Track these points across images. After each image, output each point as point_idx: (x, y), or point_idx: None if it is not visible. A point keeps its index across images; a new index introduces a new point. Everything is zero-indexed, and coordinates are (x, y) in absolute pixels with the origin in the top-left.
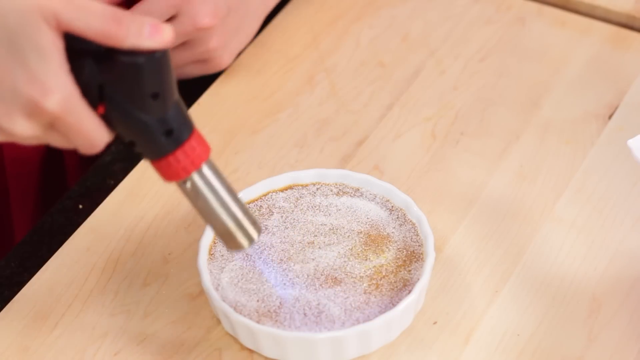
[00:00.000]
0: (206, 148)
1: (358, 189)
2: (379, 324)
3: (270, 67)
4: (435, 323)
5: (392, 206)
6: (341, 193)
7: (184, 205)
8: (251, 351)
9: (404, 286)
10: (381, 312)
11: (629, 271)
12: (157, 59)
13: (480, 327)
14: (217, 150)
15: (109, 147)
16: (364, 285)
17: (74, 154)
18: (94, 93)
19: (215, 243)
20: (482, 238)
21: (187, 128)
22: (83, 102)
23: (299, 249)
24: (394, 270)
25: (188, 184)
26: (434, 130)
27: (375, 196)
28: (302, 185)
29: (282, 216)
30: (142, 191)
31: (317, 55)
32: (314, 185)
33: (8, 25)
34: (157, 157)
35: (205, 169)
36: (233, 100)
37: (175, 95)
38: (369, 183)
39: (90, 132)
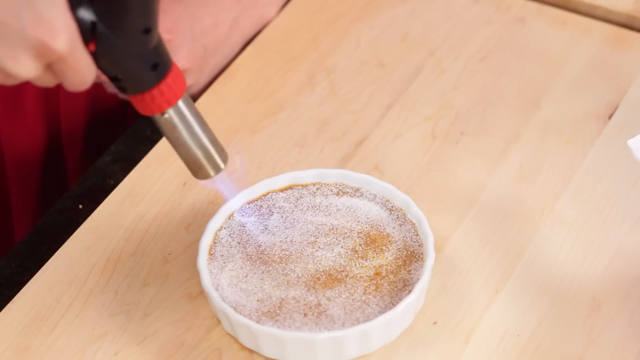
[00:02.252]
0: (184, 81)
1: (358, 189)
2: (379, 324)
3: (270, 67)
4: (435, 323)
5: (392, 206)
6: (341, 193)
7: (184, 205)
8: (251, 351)
9: (404, 286)
10: (381, 312)
11: (629, 271)
12: None
13: (480, 327)
14: None
15: (109, 147)
16: (364, 285)
17: (75, 155)
18: (87, 31)
19: (215, 243)
20: (482, 238)
21: (169, 61)
22: (81, 41)
23: (299, 249)
24: (394, 270)
25: (166, 116)
26: (434, 130)
27: (375, 196)
28: (302, 185)
29: (282, 216)
30: (142, 191)
31: (317, 55)
32: (314, 185)
33: None
34: (142, 90)
35: (181, 102)
36: (233, 100)
37: (158, 28)
38: (369, 183)
39: (85, 70)
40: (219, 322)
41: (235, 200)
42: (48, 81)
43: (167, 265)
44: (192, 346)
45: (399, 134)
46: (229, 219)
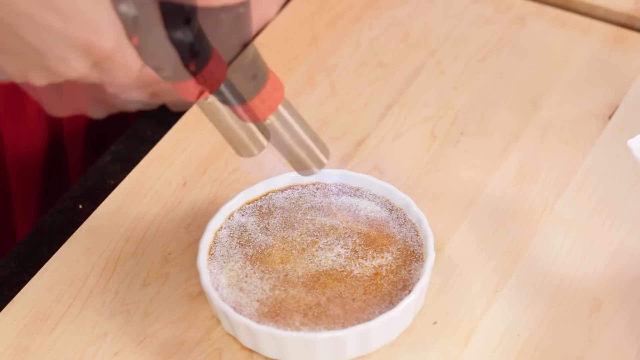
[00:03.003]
0: (282, 86)
1: (358, 189)
2: (379, 324)
3: (270, 67)
4: (435, 323)
5: (392, 206)
6: (341, 193)
7: (184, 205)
8: (251, 351)
9: (404, 286)
10: (381, 312)
11: (629, 271)
12: (243, 10)
13: (480, 327)
14: (217, 150)
15: (109, 147)
16: (364, 285)
17: (76, 155)
18: (186, 51)
19: (215, 243)
20: (482, 238)
21: (267, 70)
22: (127, 39)
23: (299, 249)
24: (394, 270)
25: (268, 122)
26: (434, 130)
27: (375, 196)
28: (302, 185)
29: (282, 216)
30: (142, 191)
31: (317, 55)
32: (314, 185)
33: None
34: (244, 101)
35: (281, 107)
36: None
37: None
38: (369, 183)
39: (131, 65)
40: (219, 322)
41: (235, 200)
42: (94, 78)
43: (167, 265)
44: (192, 346)
45: (399, 134)
46: (229, 219)
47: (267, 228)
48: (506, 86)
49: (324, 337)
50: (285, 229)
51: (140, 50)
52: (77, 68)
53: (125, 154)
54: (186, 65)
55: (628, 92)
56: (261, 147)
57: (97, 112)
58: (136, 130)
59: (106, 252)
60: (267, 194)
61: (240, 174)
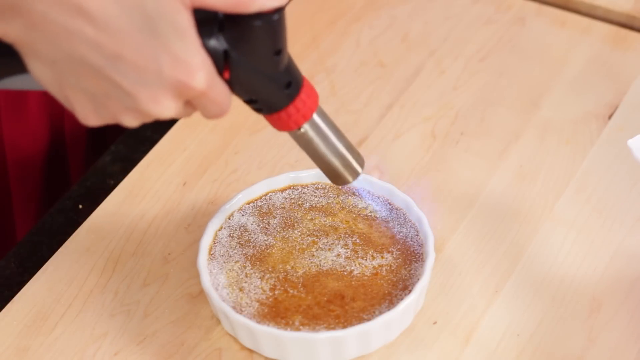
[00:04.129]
0: (316, 95)
1: (358, 189)
2: (379, 324)
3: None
4: (435, 323)
5: (392, 206)
6: (341, 193)
7: (184, 205)
8: (251, 351)
9: (404, 286)
10: (381, 312)
11: (629, 271)
12: (277, 17)
13: (480, 327)
14: (217, 150)
15: (109, 147)
16: (364, 285)
17: (77, 155)
18: (220, 60)
19: (215, 243)
20: (482, 238)
21: (300, 77)
22: (217, 73)
23: (299, 249)
24: (394, 270)
25: (302, 130)
26: (434, 130)
27: (376, 196)
28: (302, 185)
29: (282, 216)
30: (142, 191)
31: (317, 55)
32: (314, 185)
33: (146, 11)
34: (278, 109)
35: (315, 115)
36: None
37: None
38: (369, 183)
39: (223, 100)
40: (219, 322)
41: (235, 200)
42: (186, 114)
43: (167, 265)
44: (192, 346)
45: (399, 134)
46: (229, 219)
47: (267, 228)
48: (506, 86)
49: (324, 337)
50: (285, 229)
51: (232, 84)
52: (169, 107)
53: (125, 154)
54: (277, 97)
55: (628, 92)
56: (356, 175)
57: (131, 121)
58: (136, 130)
59: (106, 252)
60: (267, 194)
61: (240, 174)
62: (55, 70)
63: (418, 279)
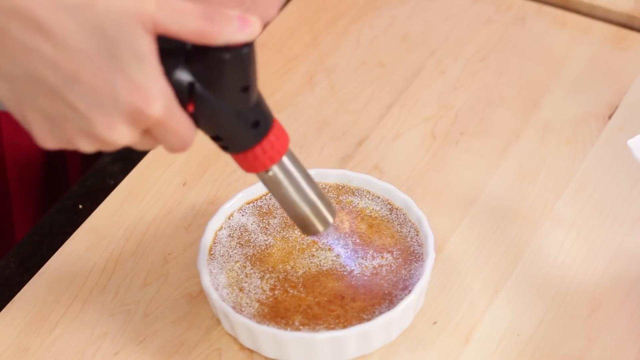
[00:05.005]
0: (287, 137)
1: (358, 189)
2: (379, 324)
3: (270, 67)
4: (435, 323)
5: (392, 206)
6: (341, 193)
7: (184, 205)
8: (251, 351)
9: (404, 286)
10: (381, 312)
11: (629, 271)
12: (246, 51)
13: (480, 327)
14: (217, 150)
15: None
16: (364, 285)
17: (76, 154)
18: (184, 92)
19: (215, 243)
20: (482, 238)
21: (270, 118)
22: (178, 105)
23: (299, 249)
24: (394, 270)
25: (270, 173)
26: (434, 130)
27: (376, 196)
28: None
29: (282, 216)
30: (142, 191)
31: (317, 55)
32: None
33: (106, 34)
34: (244, 149)
35: (285, 158)
36: None
37: (257, 85)
38: (369, 183)
39: (184, 133)
40: (219, 322)
41: (235, 200)
42: (147, 145)
43: (167, 265)
44: (192, 346)
45: (399, 134)
46: (229, 219)
47: (267, 228)
48: (506, 86)
49: (324, 337)
50: (285, 229)
51: (196, 118)
52: (124, 134)
53: (125, 154)
54: (244, 136)
55: (628, 92)
56: (327, 225)
57: (87, 146)
58: None
59: (106, 252)
60: (267, 194)
61: (240, 174)
62: (14, 87)
63: (418, 279)
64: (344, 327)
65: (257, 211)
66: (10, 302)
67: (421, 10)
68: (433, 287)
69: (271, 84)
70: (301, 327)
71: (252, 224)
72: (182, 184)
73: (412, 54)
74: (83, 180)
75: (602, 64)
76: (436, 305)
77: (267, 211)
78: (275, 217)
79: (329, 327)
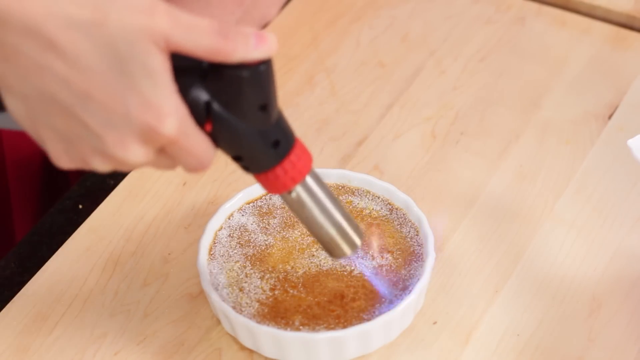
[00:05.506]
0: (309, 157)
1: (358, 189)
2: (379, 324)
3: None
4: (435, 323)
5: (393, 206)
6: (341, 193)
7: (184, 205)
8: (251, 351)
9: (404, 286)
10: (381, 312)
11: (629, 271)
12: (264, 69)
13: (480, 327)
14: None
15: None
16: (364, 285)
17: None
18: (201, 111)
19: (215, 243)
20: (482, 238)
21: (292, 137)
22: (194, 123)
23: (299, 249)
24: (394, 270)
25: (293, 194)
26: (434, 130)
27: (376, 196)
28: None
29: (282, 216)
30: (142, 191)
31: (317, 55)
32: None
33: (118, 51)
34: (265, 169)
35: (309, 178)
36: None
37: (278, 104)
38: (369, 183)
39: (201, 152)
40: (219, 322)
41: (235, 200)
42: (165, 165)
43: (167, 265)
44: (192, 346)
45: (399, 134)
46: (229, 219)
47: (267, 228)
48: (506, 86)
49: (324, 337)
50: (285, 229)
51: (215, 137)
52: (138, 153)
53: None
54: (264, 156)
55: (628, 92)
56: (355, 248)
57: (102, 166)
58: None
59: (106, 252)
60: (267, 194)
61: (240, 174)
62: (28, 106)
63: (418, 279)
64: (344, 327)
65: (257, 211)
66: (10, 302)
67: (421, 10)
68: (433, 287)
69: None
70: (301, 327)
71: (252, 224)
72: (182, 184)
73: (412, 54)
74: (83, 180)
75: (602, 64)
76: (436, 305)
77: (267, 211)
78: (275, 217)
79: (329, 327)
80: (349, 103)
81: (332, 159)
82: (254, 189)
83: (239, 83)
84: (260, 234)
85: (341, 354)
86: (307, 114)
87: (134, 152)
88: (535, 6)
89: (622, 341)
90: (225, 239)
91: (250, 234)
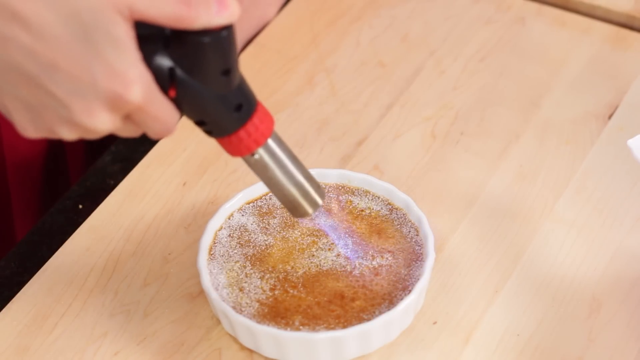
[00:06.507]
0: (271, 120)
1: (358, 189)
2: (379, 324)
3: (270, 67)
4: (435, 323)
5: (393, 206)
6: (341, 193)
7: (184, 205)
8: (251, 351)
9: (404, 286)
10: (381, 312)
11: (629, 271)
12: (226, 35)
13: (480, 327)
14: (217, 150)
15: (109, 147)
16: (364, 285)
17: (76, 155)
18: (165, 77)
19: (215, 243)
20: (482, 238)
21: (254, 101)
22: (158, 89)
23: (299, 249)
24: (394, 270)
25: (256, 156)
26: (434, 130)
27: (376, 196)
28: None
29: (282, 216)
30: (142, 191)
31: (317, 55)
32: None
33: (83, 21)
34: (228, 132)
35: (271, 141)
36: None
37: (239, 68)
38: (369, 183)
39: (166, 118)
40: (219, 322)
41: (235, 200)
42: (130, 132)
43: (167, 265)
44: (192, 346)
45: (399, 134)
46: (229, 219)
47: (267, 228)
48: (506, 86)
49: (324, 337)
50: (285, 229)
51: (179, 103)
52: (104, 121)
53: (125, 154)
54: (227, 119)
55: (628, 92)
56: (316, 207)
57: (68, 134)
58: None
59: (106, 252)
60: (267, 194)
61: (240, 174)
62: None
63: (418, 279)
64: (344, 327)
65: (257, 211)
66: (10, 302)
67: (421, 10)
68: (433, 287)
69: (271, 84)
70: (301, 327)
71: (252, 224)
72: (182, 184)
73: (412, 54)
74: (83, 180)
75: (602, 64)
76: (436, 305)
77: (267, 211)
78: (275, 217)
79: (329, 327)
80: (349, 103)
81: (332, 159)
82: (254, 189)
83: (202, 49)
84: (260, 234)
85: (341, 354)
86: (307, 114)
87: (100, 119)
88: (535, 6)
89: (622, 341)
90: (225, 239)
91: (250, 234)
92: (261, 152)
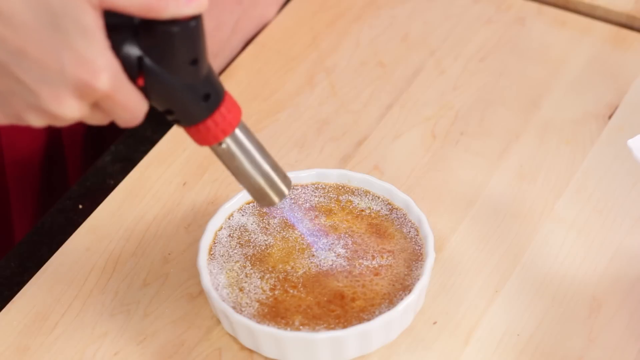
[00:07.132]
0: (239, 109)
1: (358, 189)
2: (379, 324)
3: (270, 67)
4: (435, 323)
5: (392, 206)
6: (341, 193)
7: (184, 205)
8: (251, 351)
9: (404, 286)
10: (381, 312)
11: (629, 271)
12: (194, 25)
13: (480, 327)
14: None
15: (109, 147)
16: (364, 285)
17: (75, 154)
18: (134, 66)
19: (215, 243)
20: (482, 238)
21: (221, 91)
22: (127, 78)
23: (299, 249)
24: (394, 270)
25: (224, 146)
26: (434, 130)
27: (376, 196)
28: (302, 185)
29: (282, 216)
30: (142, 191)
31: (317, 55)
32: (314, 185)
33: (52, 8)
34: (196, 122)
35: (238, 130)
36: None
37: (208, 58)
38: (369, 183)
39: (134, 106)
40: (219, 322)
41: (235, 200)
42: (98, 119)
43: (167, 265)
44: (192, 346)
45: (399, 134)
46: (229, 219)
47: (267, 228)
48: (506, 86)
49: (324, 337)
50: (285, 229)
51: (147, 92)
52: (72, 108)
53: (125, 154)
54: (195, 109)
55: (628, 92)
56: (282, 196)
57: (36, 121)
58: (136, 131)
59: (106, 252)
60: None
61: None
62: None
63: (418, 279)
64: (344, 327)
65: (257, 211)
66: (10, 302)
67: (421, 10)
68: (433, 287)
69: (271, 84)
70: (301, 327)
71: (252, 224)
72: (182, 184)
73: (412, 54)
74: (83, 180)
75: (602, 64)
76: (436, 305)
77: (267, 211)
78: (275, 217)
79: (329, 327)
80: (349, 103)
81: (332, 159)
82: None
83: (170, 39)
84: (260, 234)
85: (341, 354)
86: (307, 114)
87: (68, 106)
88: (535, 6)
89: (622, 341)
90: (225, 239)
91: (250, 234)
92: (228, 142)
